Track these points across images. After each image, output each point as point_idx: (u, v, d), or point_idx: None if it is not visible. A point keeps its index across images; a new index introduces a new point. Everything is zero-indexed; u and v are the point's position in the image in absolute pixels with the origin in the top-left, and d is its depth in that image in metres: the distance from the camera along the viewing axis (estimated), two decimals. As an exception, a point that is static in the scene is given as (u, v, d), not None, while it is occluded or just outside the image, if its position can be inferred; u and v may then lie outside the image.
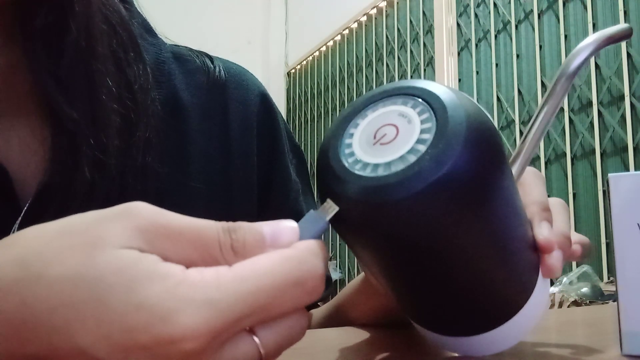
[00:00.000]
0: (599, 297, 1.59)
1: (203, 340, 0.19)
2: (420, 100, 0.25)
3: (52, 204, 0.36)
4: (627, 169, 1.77)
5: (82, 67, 0.37)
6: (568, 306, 1.54)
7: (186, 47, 0.51)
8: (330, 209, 0.24)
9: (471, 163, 0.23)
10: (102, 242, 0.20)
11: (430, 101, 0.25)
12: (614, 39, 0.32)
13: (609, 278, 1.76)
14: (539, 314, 0.32)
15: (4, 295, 0.20)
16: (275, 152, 0.52)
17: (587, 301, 1.56)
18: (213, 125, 0.47)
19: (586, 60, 0.31)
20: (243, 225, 0.22)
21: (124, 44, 0.40)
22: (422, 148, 0.23)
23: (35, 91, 0.38)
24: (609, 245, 1.80)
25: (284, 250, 0.22)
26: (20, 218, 0.36)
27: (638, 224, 0.33)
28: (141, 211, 0.21)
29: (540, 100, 2.09)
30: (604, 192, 1.83)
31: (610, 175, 0.34)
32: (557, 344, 0.40)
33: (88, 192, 0.36)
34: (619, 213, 0.33)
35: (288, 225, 0.23)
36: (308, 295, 0.22)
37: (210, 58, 0.51)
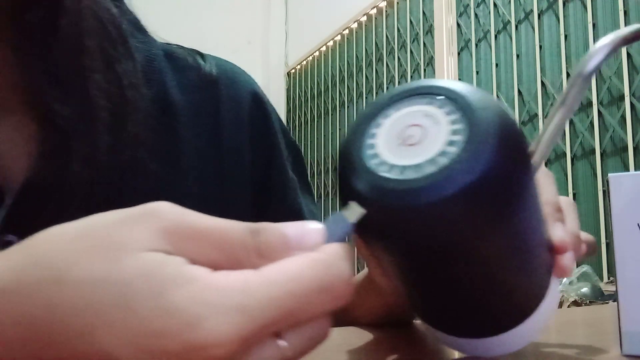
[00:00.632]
0: (599, 297, 1.59)
1: (232, 347, 0.19)
2: (446, 99, 0.25)
3: (39, 200, 0.35)
4: (627, 169, 1.77)
5: (72, 63, 0.37)
6: (568, 306, 1.54)
7: (177, 45, 0.51)
8: (356, 211, 0.24)
9: (505, 165, 0.23)
10: (126, 245, 0.20)
11: (458, 100, 0.24)
12: (629, 40, 0.32)
13: (609, 278, 1.76)
14: (551, 314, 0.32)
15: (28, 297, 0.19)
16: (271, 151, 0.51)
17: (587, 301, 1.56)
18: (204, 122, 0.47)
19: (603, 62, 0.31)
20: (268, 227, 0.22)
21: (113, 40, 0.40)
22: (454, 150, 0.23)
23: (21, 87, 0.38)
24: (609, 245, 1.80)
25: (312, 254, 0.22)
26: (5, 213, 0.36)
27: (638, 224, 0.33)
28: (165, 212, 0.21)
29: (539, 101, 2.09)
30: (604, 192, 1.83)
31: (610, 175, 0.34)
32: (557, 344, 0.40)
33: (77, 189, 0.36)
34: (619, 213, 0.33)
35: (314, 228, 0.23)
36: (335, 300, 0.22)
37: (202, 55, 0.51)
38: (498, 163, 0.23)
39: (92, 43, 0.38)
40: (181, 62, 0.48)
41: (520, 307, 0.30)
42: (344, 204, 0.25)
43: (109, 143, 0.38)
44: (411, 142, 0.24)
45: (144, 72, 0.43)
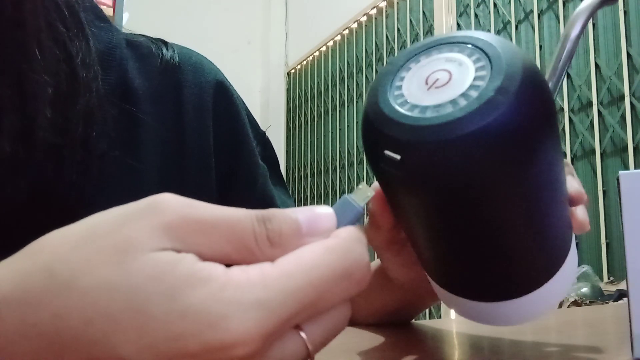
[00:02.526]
0: (599, 297, 1.59)
1: (256, 344, 0.18)
2: (463, 44, 0.26)
3: None
4: (627, 169, 1.76)
5: (9, 38, 0.35)
6: (568, 306, 1.54)
7: (143, 34, 0.50)
8: (365, 194, 0.24)
9: (535, 91, 0.24)
10: (132, 246, 0.19)
11: (473, 43, 0.25)
12: (607, 1, 0.35)
13: (609, 278, 1.76)
14: (573, 272, 0.32)
15: (35, 307, 0.19)
16: (237, 138, 0.50)
17: (587, 301, 1.56)
18: (166, 108, 0.46)
19: (586, 23, 0.33)
20: (277, 214, 0.21)
21: (64, 19, 0.39)
22: (482, 84, 0.24)
23: None
24: (609, 245, 1.80)
25: (328, 240, 0.21)
26: None
27: (649, 222, 0.32)
28: (169, 205, 0.20)
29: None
30: (604, 192, 1.83)
31: (620, 172, 0.33)
32: (557, 345, 0.40)
33: (10, 167, 0.34)
34: (630, 211, 0.32)
35: (324, 212, 0.22)
36: (356, 285, 0.21)
37: (166, 44, 0.50)
38: (527, 88, 0.23)
39: (35, 19, 0.36)
40: (143, 49, 0.48)
41: (551, 259, 0.30)
42: (375, 159, 0.24)
43: (52, 120, 0.35)
44: (439, 85, 0.25)
45: (104, 58, 0.42)
